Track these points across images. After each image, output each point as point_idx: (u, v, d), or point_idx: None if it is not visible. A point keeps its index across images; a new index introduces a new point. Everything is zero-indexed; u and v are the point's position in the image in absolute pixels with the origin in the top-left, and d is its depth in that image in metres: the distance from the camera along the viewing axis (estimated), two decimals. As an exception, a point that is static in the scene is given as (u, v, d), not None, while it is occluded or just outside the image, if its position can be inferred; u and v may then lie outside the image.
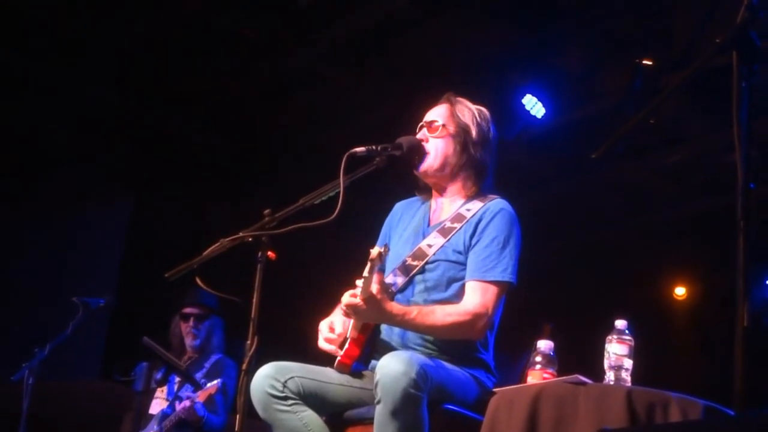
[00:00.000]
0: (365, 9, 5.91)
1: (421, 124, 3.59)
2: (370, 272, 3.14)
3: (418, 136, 3.54)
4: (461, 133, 3.51)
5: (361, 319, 3.26)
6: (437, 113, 3.58)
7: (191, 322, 5.58)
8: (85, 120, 6.71)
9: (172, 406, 5.24)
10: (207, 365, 5.48)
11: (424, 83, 5.92)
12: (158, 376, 5.24)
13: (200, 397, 4.97)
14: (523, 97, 6.26)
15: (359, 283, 3.20)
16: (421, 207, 3.66)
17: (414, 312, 3.22)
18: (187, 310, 5.60)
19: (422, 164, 3.51)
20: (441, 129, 3.52)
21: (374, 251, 3.15)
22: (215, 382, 4.98)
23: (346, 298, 3.21)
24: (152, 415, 5.30)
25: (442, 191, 3.58)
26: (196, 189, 7.33)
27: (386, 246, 3.20)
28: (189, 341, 5.58)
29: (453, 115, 3.55)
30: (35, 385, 4.81)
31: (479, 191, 3.53)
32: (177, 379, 5.43)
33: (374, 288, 3.16)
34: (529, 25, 5.94)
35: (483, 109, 3.63)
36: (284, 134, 7.23)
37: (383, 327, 3.38)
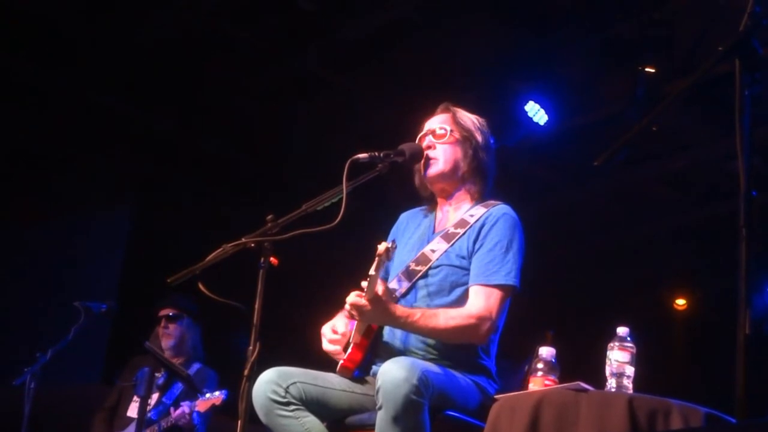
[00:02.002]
0: (367, 15, 5.92)
1: (422, 133, 3.57)
2: (377, 269, 3.14)
3: (424, 144, 3.53)
4: (468, 137, 3.52)
5: (365, 320, 3.25)
6: (440, 121, 3.58)
7: (163, 323, 5.59)
8: (86, 125, 6.71)
9: (157, 411, 5.23)
10: (190, 374, 5.46)
11: (427, 90, 5.92)
12: (160, 381, 5.24)
13: (200, 406, 4.96)
14: (525, 104, 6.26)
15: (365, 284, 3.20)
16: (427, 216, 3.66)
17: (417, 314, 3.22)
18: (161, 312, 5.62)
19: (430, 170, 3.50)
20: (448, 135, 3.52)
21: (381, 247, 3.14)
22: (218, 393, 4.97)
23: (352, 297, 3.20)
24: (131, 418, 5.28)
25: (448, 198, 3.57)
26: (198, 194, 7.33)
27: (393, 242, 3.18)
28: (164, 343, 5.56)
29: (456, 121, 3.56)
30: (37, 389, 4.82)
31: (483, 197, 3.54)
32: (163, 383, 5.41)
33: (379, 289, 3.17)
34: (532, 32, 5.95)
35: (479, 117, 3.65)
36: (286, 140, 7.23)
37: (385, 332, 3.38)
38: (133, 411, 5.33)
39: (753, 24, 2.22)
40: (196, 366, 5.54)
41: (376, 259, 3.14)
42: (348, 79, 6.62)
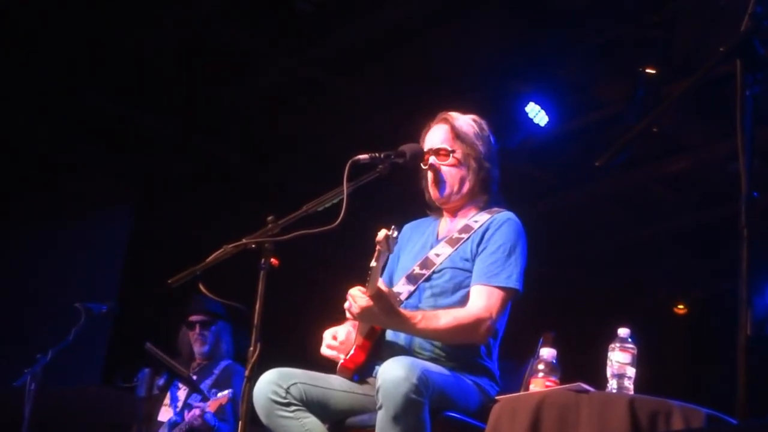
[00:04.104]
0: (368, 17, 5.92)
1: (426, 149, 3.54)
2: (377, 260, 3.13)
3: (430, 162, 3.52)
4: (471, 153, 3.52)
5: (367, 320, 3.25)
6: (440, 138, 3.55)
7: (197, 329, 5.60)
8: (87, 125, 6.71)
9: (181, 413, 5.24)
10: (216, 371, 5.48)
11: (427, 91, 5.94)
12: (161, 382, 5.24)
13: (211, 406, 4.97)
14: (526, 105, 6.26)
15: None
16: (431, 225, 3.67)
17: (419, 317, 3.23)
18: (192, 317, 5.62)
19: (439, 192, 3.52)
20: (451, 156, 3.52)
21: (381, 234, 3.11)
22: (225, 392, 4.98)
23: (354, 291, 3.20)
24: (161, 422, 5.29)
25: (456, 211, 3.59)
26: (198, 196, 7.33)
27: (393, 228, 3.15)
28: (197, 348, 5.59)
29: (457, 136, 3.53)
30: (37, 390, 4.80)
31: (488, 204, 3.55)
32: (180, 385, 5.42)
33: (382, 286, 3.17)
34: (532, 33, 5.95)
35: (476, 117, 3.63)
36: (286, 141, 7.23)
37: (389, 331, 3.38)
38: (163, 415, 5.35)
39: (754, 24, 2.22)
40: (224, 363, 5.56)
41: (377, 247, 3.13)
42: (348, 81, 6.61)
